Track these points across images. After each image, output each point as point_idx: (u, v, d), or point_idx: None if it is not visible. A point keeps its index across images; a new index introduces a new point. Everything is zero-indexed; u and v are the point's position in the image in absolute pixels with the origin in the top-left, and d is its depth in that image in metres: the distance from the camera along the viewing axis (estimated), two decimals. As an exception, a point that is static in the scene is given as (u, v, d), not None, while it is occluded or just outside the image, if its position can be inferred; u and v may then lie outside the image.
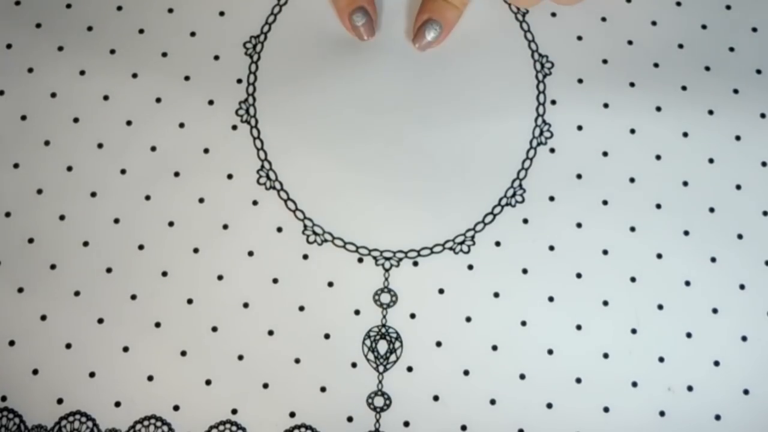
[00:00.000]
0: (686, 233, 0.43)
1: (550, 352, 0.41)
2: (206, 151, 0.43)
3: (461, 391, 0.41)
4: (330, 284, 0.42)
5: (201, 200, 0.43)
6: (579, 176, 0.43)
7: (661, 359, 0.41)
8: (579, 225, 0.43)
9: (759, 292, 0.42)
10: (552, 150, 0.43)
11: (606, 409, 0.41)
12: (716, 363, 0.41)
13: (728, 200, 0.43)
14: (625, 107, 0.44)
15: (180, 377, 0.41)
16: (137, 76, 0.44)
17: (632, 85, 0.44)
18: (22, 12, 0.44)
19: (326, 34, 0.44)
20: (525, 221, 0.43)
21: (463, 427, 0.41)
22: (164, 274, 0.42)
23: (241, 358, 0.41)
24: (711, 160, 0.43)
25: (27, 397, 0.41)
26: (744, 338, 0.42)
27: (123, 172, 0.43)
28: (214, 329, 0.41)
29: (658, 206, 0.43)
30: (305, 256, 0.42)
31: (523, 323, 0.42)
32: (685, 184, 0.43)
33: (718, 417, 0.41)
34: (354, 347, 0.41)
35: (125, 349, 0.41)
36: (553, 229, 0.43)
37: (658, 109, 0.44)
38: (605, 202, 0.43)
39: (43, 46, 0.44)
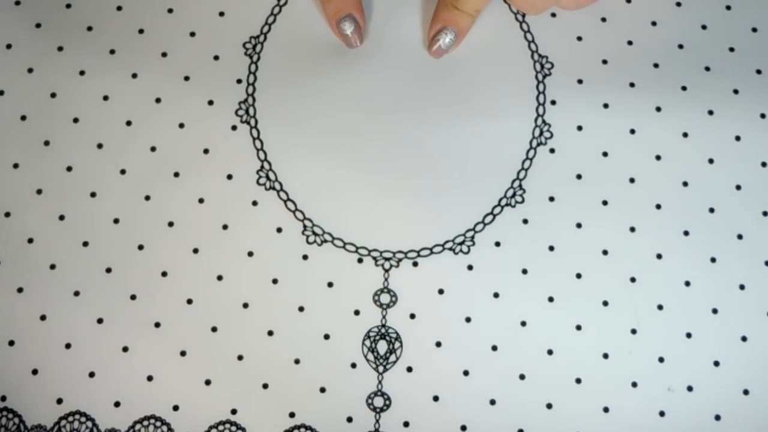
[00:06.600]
0: (686, 233, 0.43)
1: (550, 352, 0.41)
2: (206, 151, 0.43)
3: (461, 392, 0.41)
4: (330, 285, 0.42)
5: (201, 200, 0.43)
6: (579, 176, 0.43)
7: (661, 359, 0.41)
8: (579, 225, 0.43)
9: (759, 292, 0.42)
10: (552, 150, 0.43)
11: (606, 409, 0.41)
12: (716, 363, 0.41)
13: (728, 200, 0.43)
14: (625, 107, 0.44)
15: (179, 377, 0.41)
16: (137, 76, 0.44)
17: (632, 85, 0.44)
18: (22, 12, 0.44)
19: (326, 34, 0.44)
20: (525, 221, 0.43)
21: (463, 428, 0.41)
22: (164, 274, 0.42)
23: (240, 358, 0.41)
24: (711, 161, 0.43)
25: (26, 397, 0.41)
26: (744, 338, 0.42)
27: (123, 172, 0.43)
28: (214, 329, 0.41)
29: (658, 206, 0.43)
30: (305, 257, 0.42)
31: (523, 323, 0.42)
32: (685, 184, 0.43)
33: (718, 417, 0.41)
34: (354, 347, 0.41)
35: (125, 349, 0.41)
36: (553, 229, 0.43)
37: (658, 109, 0.44)
38: (605, 202, 0.43)
39: (43, 46, 0.44)
